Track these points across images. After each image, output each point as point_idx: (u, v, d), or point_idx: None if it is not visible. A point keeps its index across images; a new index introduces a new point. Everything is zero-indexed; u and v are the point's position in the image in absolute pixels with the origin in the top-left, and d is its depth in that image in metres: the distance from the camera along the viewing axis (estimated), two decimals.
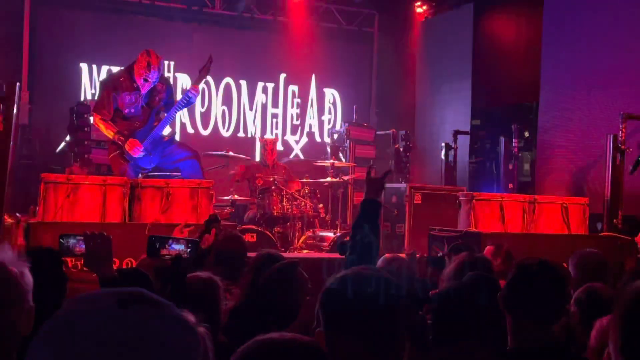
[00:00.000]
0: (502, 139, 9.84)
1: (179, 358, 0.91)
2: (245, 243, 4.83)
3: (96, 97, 8.15)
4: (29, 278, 1.81)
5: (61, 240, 3.00)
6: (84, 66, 10.85)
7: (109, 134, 7.01)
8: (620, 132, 8.34)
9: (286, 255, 6.81)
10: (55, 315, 0.92)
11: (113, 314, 0.90)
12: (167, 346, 0.89)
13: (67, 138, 9.50)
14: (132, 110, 7.02)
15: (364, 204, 2.90)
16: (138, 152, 6.98)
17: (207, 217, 4.83)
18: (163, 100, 7.18)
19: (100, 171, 8.98)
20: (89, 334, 0.88)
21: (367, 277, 1.75)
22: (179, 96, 7.78)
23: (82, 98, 10.42)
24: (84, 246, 2.95)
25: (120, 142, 6.92)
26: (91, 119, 9.51)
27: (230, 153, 8.92)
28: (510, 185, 9.51)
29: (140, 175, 6.98)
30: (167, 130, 7.57)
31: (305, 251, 7.83)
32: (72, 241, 2.99)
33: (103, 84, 7.47)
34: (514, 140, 9.74)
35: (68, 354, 0.87)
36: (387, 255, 4.05)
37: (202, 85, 11.35)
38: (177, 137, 8.62)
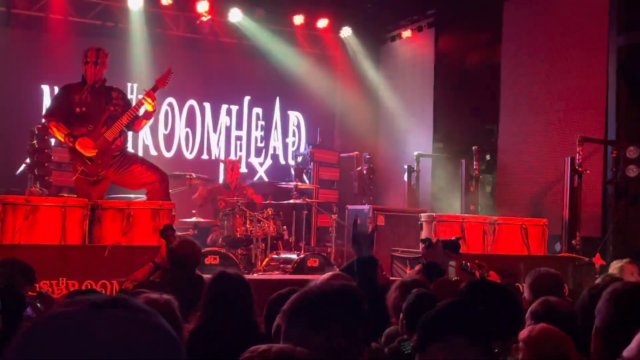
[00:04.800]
0: (463, 161, 9.98)
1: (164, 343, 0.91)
2: (200, 247, 4.89)
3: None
4: None
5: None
6: (45, 88, 10.74)
7: (60, 136, 6.81)
8: (577, 154, 8.54)
9: (249, 277, 6.80)
10: (33, 321, 0.92)
11: (86, 315, 0.90)
12: (140, 350, 0.89)
13: (27, 160, 9.37)
14: (84, 109, 6.80)
15: (360, 264, 2.96)
16: (89, 150, 6.73)
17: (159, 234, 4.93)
18: (120, 107, 7.06)
19: (61, 193, 8.85)
20: (60, 334, 0.88)
21: None
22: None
23: (43, 120, 10.28)
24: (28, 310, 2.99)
25: (70, 144, 6.71)
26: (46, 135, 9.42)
27: (193, 175, 8.90)
28: (472, 207, 9.63)
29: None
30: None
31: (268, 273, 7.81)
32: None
33: (55, 94, 7.35)
34: (474, 162, 9.89)
35: (39, 354, 0.87)
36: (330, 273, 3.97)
37: (165, 107, 11.34)
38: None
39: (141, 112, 7.24)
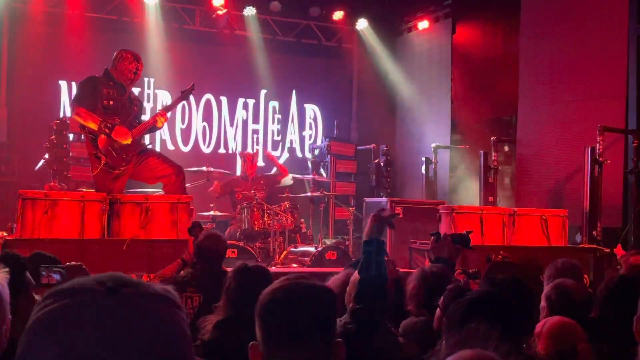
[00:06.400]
0: (481, 152, 9.90)
1: (174, 332, 0.91)
2: (225, 241, 4.86)
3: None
4: (6, 294, 1.78)
5: (41, 270, 3.07)
6: (63, 83, 10.80)
7: (92, 125, 6.62)
8: (598, 144, 8.43)
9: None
10: (49, 311, 0.89)
11: (105, 304, 0.90)
12: (161, 323, 0.90)
13: (46, 155, 9.42)
14: (112, 103, 6.76)
15: (364, 245, 2.71)
16: (126, 137, 6.69)
17: (187, 231, 4.91)
18: (137, 107, 7.07)
19: (79, 188, 8.89)
20: (88, 327, 0.87)
21: (304, 287, 1.78)
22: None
23: (61, 115, 10.34)
24: (57, 277, 3.00)
25: (106, 129, 6.62)
26: (71, 124, 9.46)
27: (211, 169, 8.90)
28: (491, 199, 9.55)
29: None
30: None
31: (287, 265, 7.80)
32: (47, 272, 3.07)
33: (80, 83, 7.12)
34: (493, 154, 9.80)
35: (72, 350, 0.85)
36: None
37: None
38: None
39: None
